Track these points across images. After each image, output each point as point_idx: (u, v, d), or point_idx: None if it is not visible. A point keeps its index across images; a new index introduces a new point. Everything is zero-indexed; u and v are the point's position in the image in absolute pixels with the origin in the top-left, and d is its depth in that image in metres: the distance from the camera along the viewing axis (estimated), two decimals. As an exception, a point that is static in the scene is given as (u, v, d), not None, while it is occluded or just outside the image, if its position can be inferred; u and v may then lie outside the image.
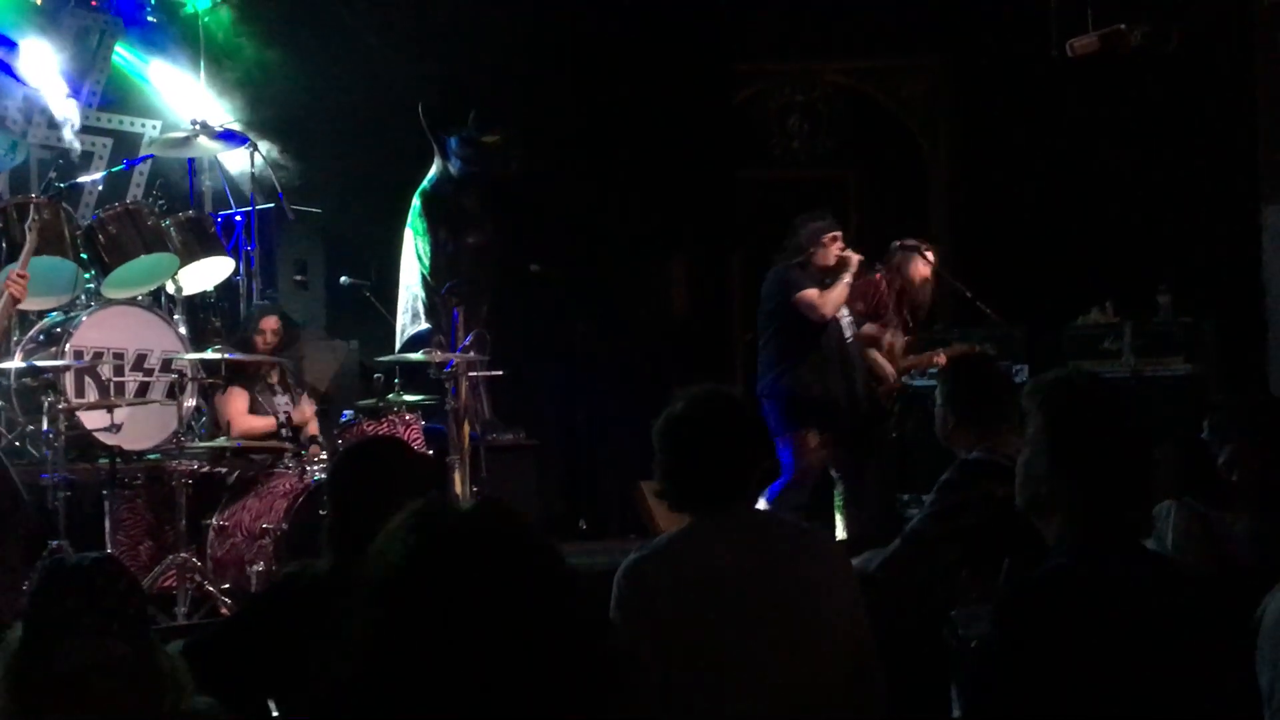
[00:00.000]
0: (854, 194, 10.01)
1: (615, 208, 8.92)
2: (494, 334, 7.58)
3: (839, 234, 6.79)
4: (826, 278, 6.68)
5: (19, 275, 5.79)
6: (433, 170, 8.11)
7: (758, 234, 9.44)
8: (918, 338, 7.38)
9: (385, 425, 6.42)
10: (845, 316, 6.80)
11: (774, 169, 9.91)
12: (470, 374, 7.00)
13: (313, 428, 6.79)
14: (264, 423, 6.52)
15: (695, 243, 9.39)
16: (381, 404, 6.54)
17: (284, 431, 6.29)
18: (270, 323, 6.67)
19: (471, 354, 6.96)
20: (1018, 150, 9.11)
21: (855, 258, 6.70)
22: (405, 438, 6.33)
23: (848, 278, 6.66)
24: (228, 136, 7.28)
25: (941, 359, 7.05)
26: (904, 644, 3.35)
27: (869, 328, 7.11)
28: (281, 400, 6.69)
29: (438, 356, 6.70)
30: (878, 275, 7.16)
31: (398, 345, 7.74)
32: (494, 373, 7.31)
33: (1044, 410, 2.47)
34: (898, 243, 7.28)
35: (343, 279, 7.68)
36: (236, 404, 6.53)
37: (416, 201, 8.06)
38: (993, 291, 7.43)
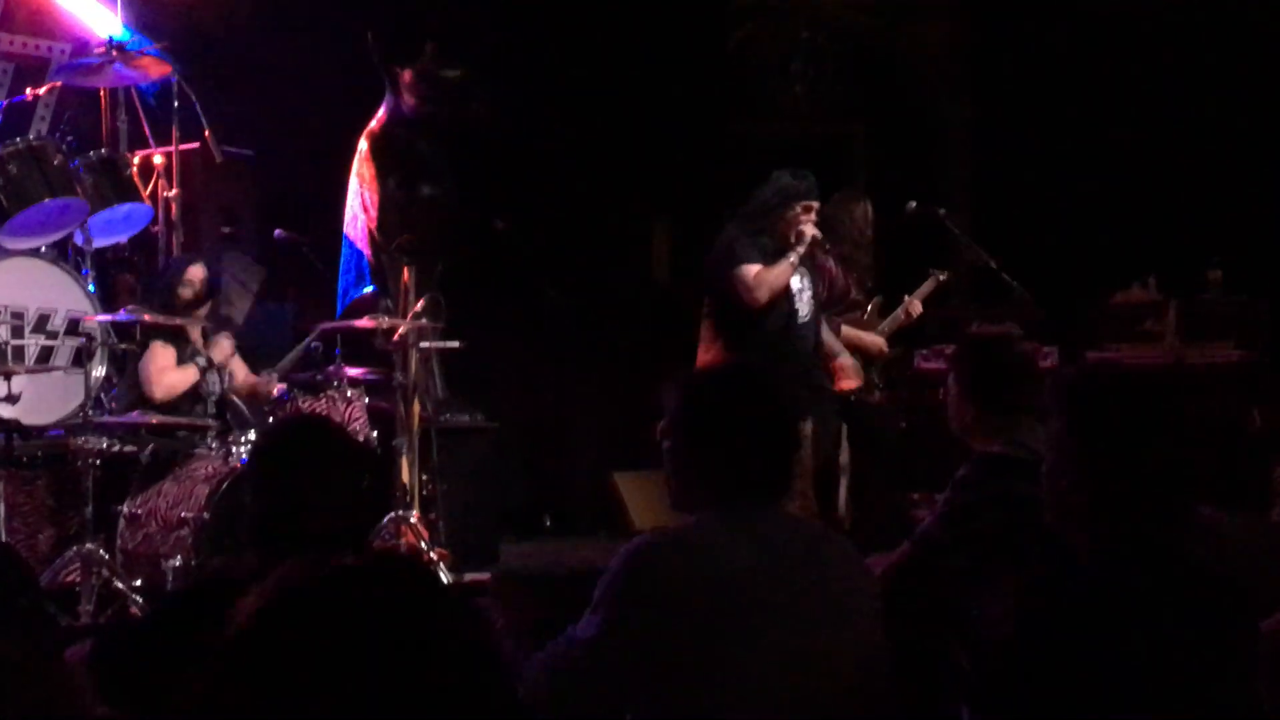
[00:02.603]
0: (862, 151, 10.00)
1: (592, 160, 8.90)
2: (450, 299, 7.56)
3: (815, 206, 6.45)
4: (782, 253, 6.36)
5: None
6: (383, 109, 8.06)
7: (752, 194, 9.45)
8: (871, 292, 7.33)
9: (323, 403, 6.39)
10: (804, 290, 6.62)
11: (772, 120, 9.89)
12: (422, 345, 6.98)
13: (239, 372, 6.69)
14: (187, 375, 6.43)
15: (682, 202, 9.38)
16: (320, 378, 6.50)
17: (210, 392, 6.24)
18: (196, 272, 6.60)
19: (424, 322, 6.93)
20: (1049, 103, 9.11)
21: (810, 232, 6.36)
22: (346, 417, 6.32)
23: (794, 257, 6.31)
24: (148, 65, 7.19)
25: (916, 307, 7.09)
26: (912, 656, 3.36)
27: (848, 331, 7.07)
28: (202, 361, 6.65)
29: (385, 324, 6.66)
30: (823, 262, 7.05)
31: (339, 310, 7.71)
32: (449, 344, 7.30)
33: (1068, 410, 2.48)
34: (913, 204, 7.29)
35: (277, 232, 7.61)
36: (160, 359, 6.43)
37: (363, 144, 8.01)
38: (1018, 264, 7.41)
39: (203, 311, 6.57)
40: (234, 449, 6.05)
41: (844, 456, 7.05)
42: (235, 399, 6.67)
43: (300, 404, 6.41)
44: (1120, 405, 2.45)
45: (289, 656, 1.40)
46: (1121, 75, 8.88)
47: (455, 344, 7.31)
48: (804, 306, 6.48)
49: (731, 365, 3.10)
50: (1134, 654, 2.28)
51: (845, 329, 7.09)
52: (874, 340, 7.16)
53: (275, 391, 6.47)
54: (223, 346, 6.62)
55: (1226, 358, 7.32)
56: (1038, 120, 9.16)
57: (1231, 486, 3.62)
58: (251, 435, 6.18)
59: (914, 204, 7.29)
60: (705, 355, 6.45)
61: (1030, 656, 2.35)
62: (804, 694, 2.73)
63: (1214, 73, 8.65)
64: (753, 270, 6.28)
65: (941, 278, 7.26)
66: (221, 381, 6.52)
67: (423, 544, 6.41)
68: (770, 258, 6.33)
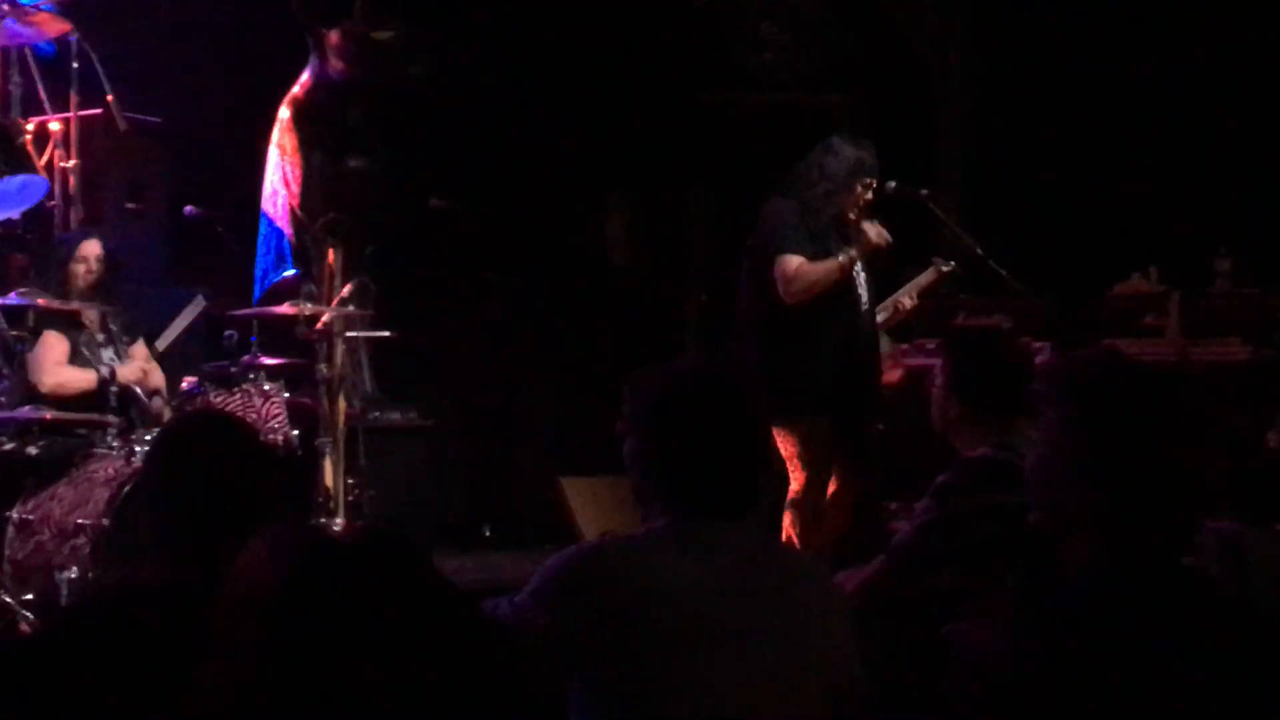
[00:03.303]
0: (843, 125, 10.03)
1: (541, 130, 8.91)
2: (381, 284, 7.54)
3: (875, 182, 6.30)
4: (833, 240, 6.24)
5: None
6: (307, 73, 8.05)
7: (720, 170, 9.47)
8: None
9: (238, 398, 6.39)
10: (860, 271, 6.36)
11: (743, 89, 9.91)
12: (348, 334, 6.98)
13: (155, 379, 6.70)
14: (82, 377, 6.43)
15: (642, 179, 9.40)
16: (234, 370, 6.48)
17: (110, 391, 6.21)
18: (91, 248, 6.59)
19: (351, 309, 6.92)
20: (1049, 76, 9.17)
21: (875, 237, 6.14)
22: (263, 414, 6.33)
23: (845, 258, 6.10)
24: (43, 21, 7.17)
25: (907, 304, 7.11)
26: (890, 680, 3.39)
27: None
28: (106, 354, 6.62)
29: (308, 310, 6.65)
30: None
31: (256, 294, 7.69)
32: (379, 333, 7.30)
33: (1072, 402, 2.48)
34: (892, 184, 7.31)
35: (188, 208, 7.61)
36: (51, 351, 6.41)
37: (285, 112, 7.99)
38: (1012, 252, 7.46)
39: (103, 292, 6.55)
40: (138, 449, 6.02)
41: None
42: (139, 391, 6.65)
43: (212, 399, 6.40)
44: (1131, 398, 2.45)
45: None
46: (1127, 50, 8.94)
47: (386, 334, 7.31)
48: (864, 290, 6.36)
49: (704, 365, 3.10)
50: (1136, 680, 2.29)
51: None
52: None
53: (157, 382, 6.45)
54: (134, 366, 6.61)
55: (1234, 356, 7.38)
56: (1036, 95, 9.21)
57: (1250, 498, 3.67)
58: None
59: (894, 184, 7.31)
60: (755, 347, 6.29)
61: (1022, 681, 2.35)
62: (756, 716, 2.76)
63: (1224, 49, 8.73)
64: (794, 263, 6.09)
65: (945, 268, 7.19)
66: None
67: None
68: (818, 242, 6.19)
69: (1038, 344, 7.25)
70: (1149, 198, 8.66)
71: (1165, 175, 8.73)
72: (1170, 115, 8.82)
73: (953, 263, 7.24)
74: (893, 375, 6.95)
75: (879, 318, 7.08)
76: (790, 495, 6.23)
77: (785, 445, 6.18)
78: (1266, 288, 7.75)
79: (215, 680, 1.60)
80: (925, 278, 7.20)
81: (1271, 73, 8.66)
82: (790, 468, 6.22)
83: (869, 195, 6.32)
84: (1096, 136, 8.98)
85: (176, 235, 8.00)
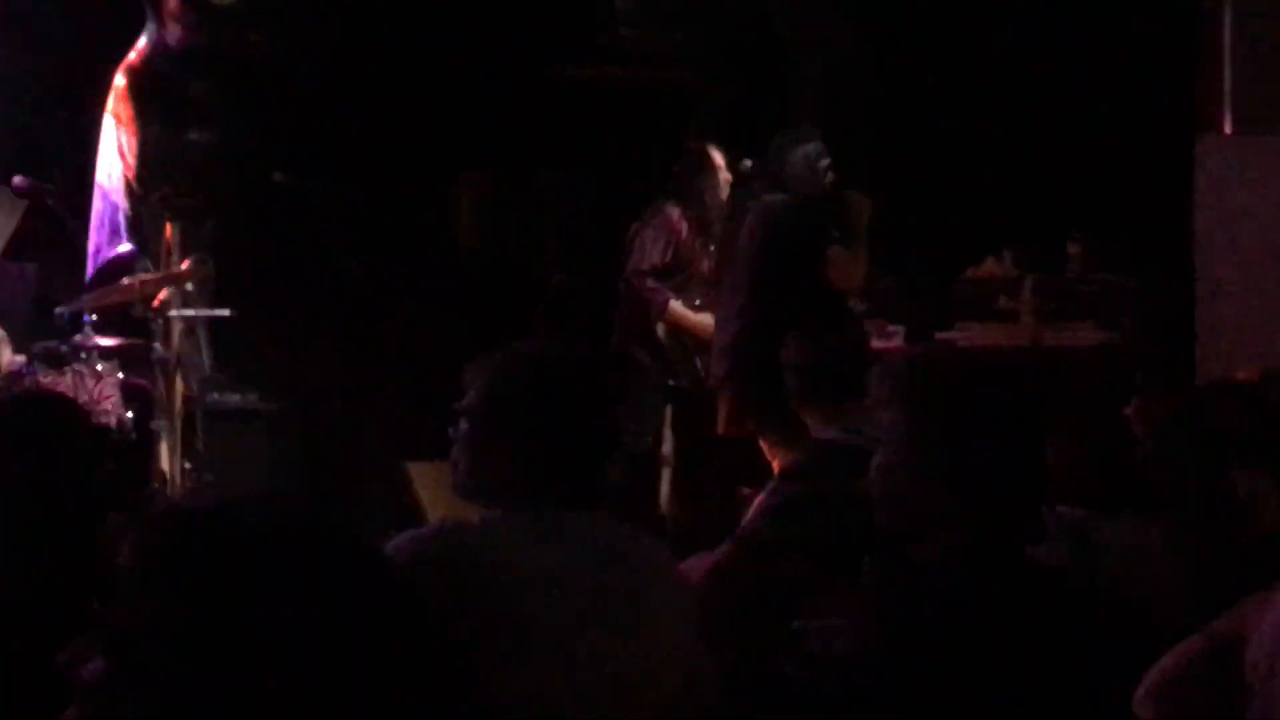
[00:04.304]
0: (701, 104, 10.05)
1: (388, 104, 8.83)
2: (220, 261, 7.44)
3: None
4: None
5: None
6: (143, 40, 7.93)
7: (573, 149, 9.44)
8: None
9: (68, 378, 6.31)
10: None
11: (596, 64, 9.89)
12: (186, 313, 6.91)
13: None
14: None
15: (492, 157, 9.36)
16: (64, 349, 6.41)
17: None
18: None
19: (189, 287, 6.82)
20: (903, 58, 9.24)
21: None
22: (95, 395, 6.23)
23: None
24: None
25: None
26: (736, 668, 3.40)
27: (675, 308, 7.15)
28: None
29: (141, 283, 6.58)
30: (672, 214, 7.16)
31: (89, 271, 7.57)
32: (218, 312, 7.23)
33: (908, 401, 2.51)
34: (748, 163, 7.35)
35: (16, 180, 7.46)
36: None
37: (120, 79, 7.88)
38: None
39: None
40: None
41: (667, 447, 7.13)
42: None
43: (41, 379, 6.31)
44: (960, 393, 2.50)
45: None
46: (982, 34, 9.05)
47: (225, 312, 7.24)
48: None
49: (548, 349, 3.09)
50: (986, 679, 2.33)
51: (673, 304, 7.15)
52: (703, 322, 7.21)
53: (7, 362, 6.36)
54: None
55: (1088, 340, 7.52)
56: (890, 77, 9.29)
57: (1103, 484, 3.72)
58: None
59: (749, 163, 7.36)
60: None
61: (871, 672, 2.40)
62: (599, 711, 2.76)
63: (1081, 34, 8.86)
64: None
65: None
66: None
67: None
68: None
69: (891, 328, 7.35)
70: (1003, 181, 8.78)
71: (1020, 159, 8.85)
72: (1025, 98, 8.94)
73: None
74: None
75: None
76: None
77: None
78: (1118, 272, 7.90)
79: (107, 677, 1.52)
80: None
81: (1124, 61, 8.81)
82: None
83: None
84: (951, 119, 9.08)
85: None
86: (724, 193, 7.32)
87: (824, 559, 3.78)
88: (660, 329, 7.29)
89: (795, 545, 3.88)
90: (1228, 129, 8.10)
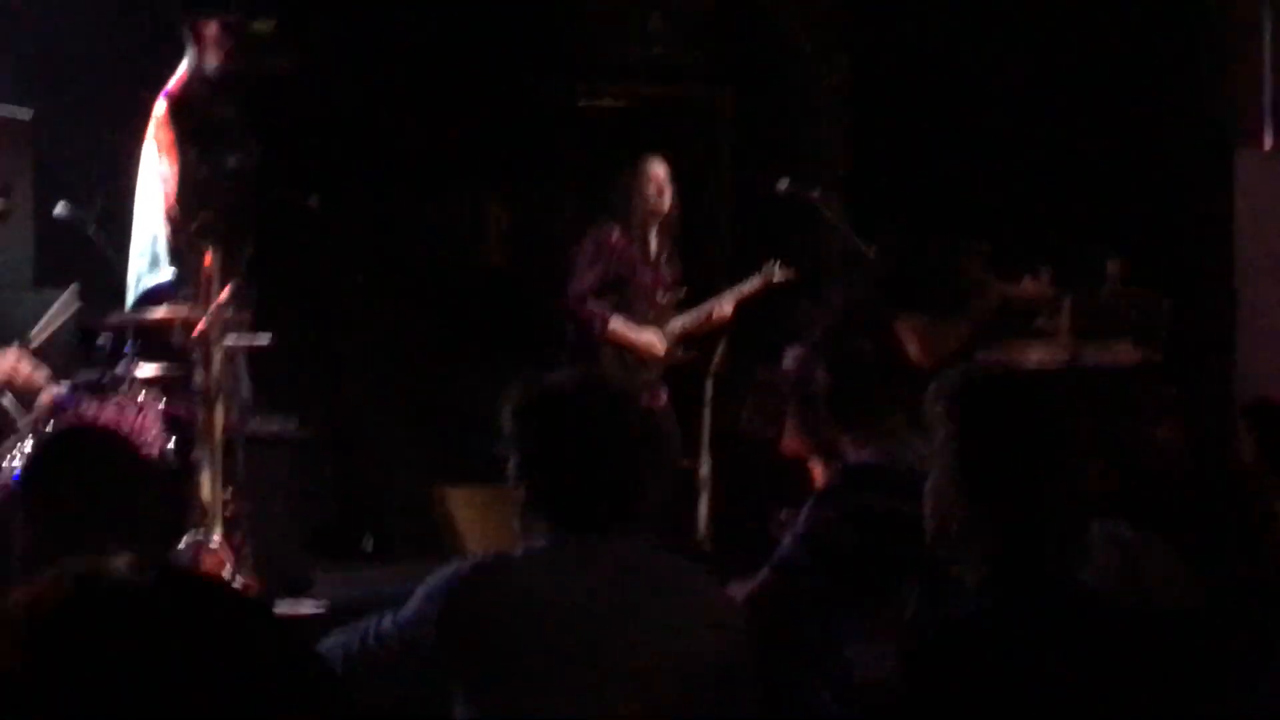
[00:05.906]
0: (729, 120, 10.11)
1: (418, 127, 8.88)
2: (260, 288, 7.51)
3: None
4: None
5: None
6: (183, 66, 7.96)
7: (602, 169, 9.52)
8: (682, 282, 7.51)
9: (111, 408, 6.34)
10: None
11: (627, 84, 9.94)
12: (227, 341, 6.94)
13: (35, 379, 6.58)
14: None
15: (520, 178, 9.40)
16: (107, 379, 6.43)
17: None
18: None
19: (229, 314, 6.89)
20: (938, 73, 9.26)
21: None
22: (139, 426, 6.29)
23: None
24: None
25: (726, 310, 7.23)
26: (776, 695, 3.47)
27: (614, 325, 7.23)
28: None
29: (185, 316, 6.60)
30: (604, 231, 7.29)
31: (130, 299, 7.62)
32: (258, 339, 7.25)
33: (951, 421, 2.54)
34: (784, 183, 7.40)
35: (59, 209, 7.52)
36: None
37: (160, 107, 7.89)
38: (900, 255, 7.61)
39: None
40: (3, 463, 5.97)
41: (704, 469, 7.16)
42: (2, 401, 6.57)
43: (83, 409, 6.34)
44: (1008, 412, 2.53)
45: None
46: (1016, 48, 9.07)
47: (264, 340, 7.25)
48: None
49: (580, 377, 3.15)
50: (1031, 707, 2.36)
51: (613, 323, 7.26)
52: (645, 340, 7.30)
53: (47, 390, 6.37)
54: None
55: (1127, 357, 7.57)
56: (924, 92, 9.30)
57: (1141, 501, 3.75)
58: (27, 446, 6.11)
59: (785, 183, 7.38)
60: None
61: (915, 700, 2.43)
62: None
63: (1118, 48, 8.87)
64: None
65: (777, 277, 7.33)
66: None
67: (227, 571, 6.39)
68: None
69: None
70: (1041, 200, 8.79)
71: (1057, 177, 8.86)
72: (1061, 117, 8.96)
73: (793, 269, 7.33)
74: None
75: (679, 323, 7.20)
76: None
77: None
78: (1156, 289, 7.94)
79: None
80: (750, 284, 7.31)
81: (1160, 81, 8.84)
82: None
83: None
84: (986, 137, 9.09)
85: (46, 237, 7.90)
86: (665, 203, 7.37)
87: (854, 583, 3.83)
88: (604, 349, 7.35)
89: (826, 569, 3.89)
90: (1267, 144, 8.16)
